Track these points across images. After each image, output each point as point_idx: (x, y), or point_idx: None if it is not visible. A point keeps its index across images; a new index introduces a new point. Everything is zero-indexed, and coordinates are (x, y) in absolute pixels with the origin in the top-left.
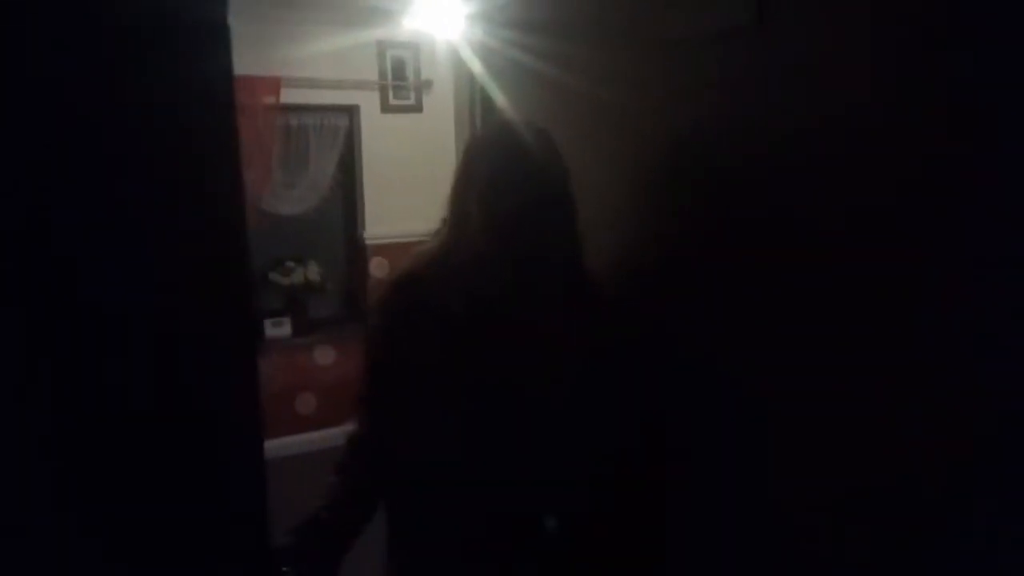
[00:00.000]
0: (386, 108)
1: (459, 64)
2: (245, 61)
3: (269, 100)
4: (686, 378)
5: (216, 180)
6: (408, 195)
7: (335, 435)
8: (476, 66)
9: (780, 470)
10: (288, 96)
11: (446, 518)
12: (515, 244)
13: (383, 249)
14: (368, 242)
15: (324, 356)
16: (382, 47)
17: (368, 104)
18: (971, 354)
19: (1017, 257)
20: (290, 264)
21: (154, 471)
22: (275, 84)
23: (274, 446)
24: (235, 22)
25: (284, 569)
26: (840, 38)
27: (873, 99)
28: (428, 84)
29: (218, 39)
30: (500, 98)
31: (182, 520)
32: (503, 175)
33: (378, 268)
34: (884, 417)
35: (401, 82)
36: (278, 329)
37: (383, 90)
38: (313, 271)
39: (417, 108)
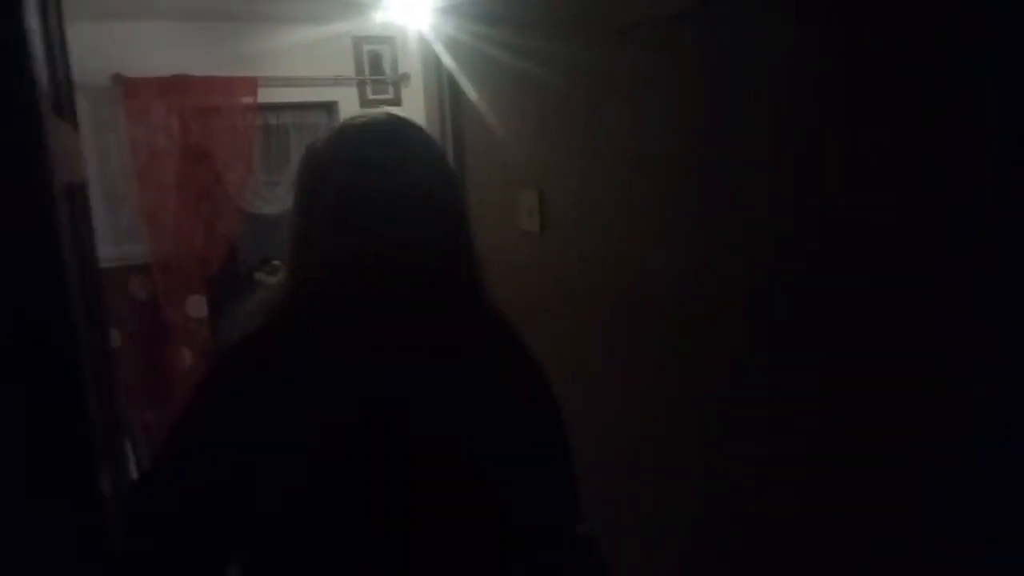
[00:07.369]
0: (365, 103)
1: (429, 56)
2: (221, 62)
3: (247, 100)
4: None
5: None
6: None
7: None
8: (445, 58)
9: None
10: (266, 95)
11: None
12: (381, 274)
13: None
14: None
15: None
16: (358, 42)
17: (347, 100)
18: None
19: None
20: (276, 263)
21: None
22: (252, 84)
23: None
24: (209, 23)
25: None
26: (783, 22)
27: (817, 82)
28: (406, 77)
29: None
30: (468, 88)
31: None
32: (358, 177)
33: None
34: None
35: (379, 76)
36: None
37: (361, 85)
38: None
39: (396, 102)
